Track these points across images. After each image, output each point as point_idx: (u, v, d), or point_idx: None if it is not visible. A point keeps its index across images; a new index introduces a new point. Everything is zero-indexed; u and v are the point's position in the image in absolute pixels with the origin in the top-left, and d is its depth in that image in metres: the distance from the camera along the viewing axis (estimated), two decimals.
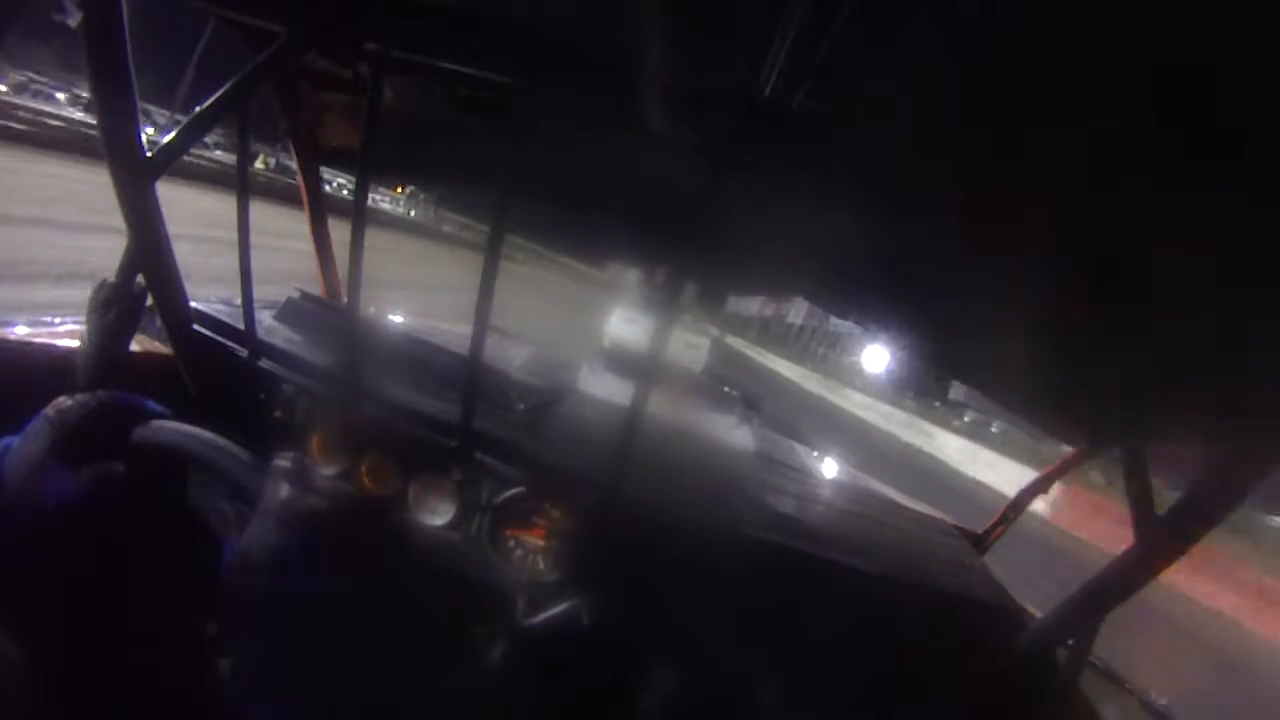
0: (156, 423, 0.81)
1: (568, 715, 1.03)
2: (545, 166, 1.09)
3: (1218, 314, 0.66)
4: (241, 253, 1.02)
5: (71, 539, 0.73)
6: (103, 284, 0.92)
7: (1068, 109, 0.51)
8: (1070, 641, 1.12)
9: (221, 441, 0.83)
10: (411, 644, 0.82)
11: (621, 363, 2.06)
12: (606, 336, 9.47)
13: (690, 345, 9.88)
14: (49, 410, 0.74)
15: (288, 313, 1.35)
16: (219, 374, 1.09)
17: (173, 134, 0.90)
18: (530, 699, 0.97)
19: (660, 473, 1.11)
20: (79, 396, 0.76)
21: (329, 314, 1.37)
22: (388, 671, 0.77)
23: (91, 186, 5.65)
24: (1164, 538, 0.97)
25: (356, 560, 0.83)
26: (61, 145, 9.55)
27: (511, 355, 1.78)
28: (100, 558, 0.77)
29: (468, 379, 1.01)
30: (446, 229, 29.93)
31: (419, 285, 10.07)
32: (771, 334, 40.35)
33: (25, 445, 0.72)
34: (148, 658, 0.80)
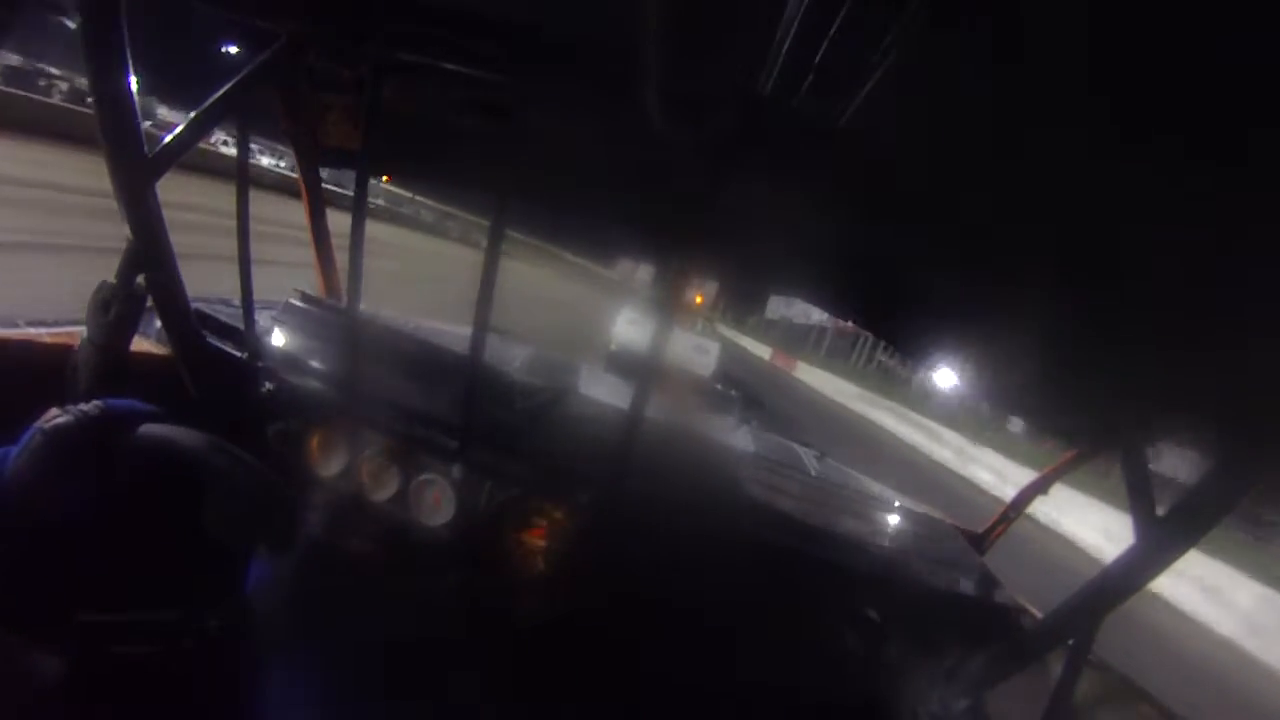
0: (152, 426, 0.81)
1: (567, 713, 1.03)
2: (545, 166, 1.09)
3: (1218, 317, 0.66)
4: (241, 253, 1.02)
5: (74, 547, 0.73)
6: (103, 284, 0.92)
7: (1068, 109, 0.51)
8: (1070, 641, 1.12)
9: (219, 442, 0.83)
10: (413, 644, 0.82)
11: (626, 365, 2.06)
12: (613, 339, 9.03)
13: (700, 349, 9.44)
14: (42, 423, 0.74)
15: (288, 313, 1.35)
16: (219, 374, 1.09)
17: (173, 134, 0.90)
18: (530, 697, 0.97)
19: (660, 473, 1.11)
20: (71, 407, 0.76)
21: (329, 314, 1.37)
22: (390, 670, 0.78)
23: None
24: (1164, 538, 0.97)
25: (382, 581, 0.83)
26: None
27: (512, 356, 1.78)
28: (103, 564, 0.77)
29: (469, 380, 1.01)
30: (381, 202, 24.91)
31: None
32: (856, 356, 24.93)
33: (21, 458, 0.72)
34: (150, 659, 0.80)
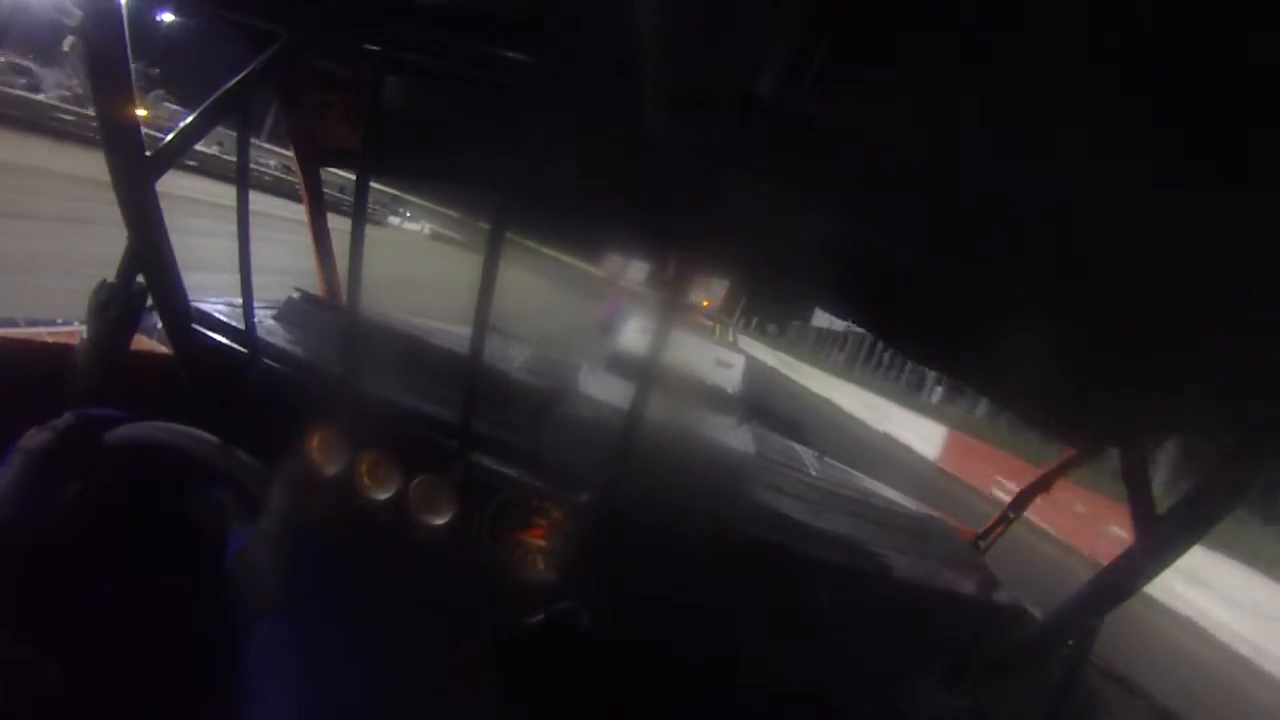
0: (125, 428, 0.81)
1: (567, 714, 1.03)
2: (545, 166, 1.09)
3: (1218, 314, 0.66)
4: (241, 252, 1.02)
5: (68, 556, 0.74)
6: (103, 284, 0.92)
7: (1068, 109, 0.51)
8: (1070, 641, 1.12)
9: (199, 433, 0.83)
10: (413, 644, 0.82)
11: (630, 369, 2.05)
12: (619, 346, 8.17)
13: (723, 362, 8.66)
14: (24, 442, 0.74)
15: (288, 313, 1.35)
16: (219, 374, 1.09)
17: (173, 134, 0.90)
18: (530, 698, 0.97)
19: (660, 473, 1.11)
20: (51, 423, 0.77)
21: (329, 314, 1.37)
22: (389, 671, 0.77)
23: None
24: (1164, 538, 0.97)
25: (358, 560, 0.83)
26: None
27: (513, 356, 1.77)
28: (99, 568, 0.77)
29: (468, 379, 1.01)
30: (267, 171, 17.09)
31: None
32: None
33: (5, 479, 0.72)
34: (149, 660, 0.80)
